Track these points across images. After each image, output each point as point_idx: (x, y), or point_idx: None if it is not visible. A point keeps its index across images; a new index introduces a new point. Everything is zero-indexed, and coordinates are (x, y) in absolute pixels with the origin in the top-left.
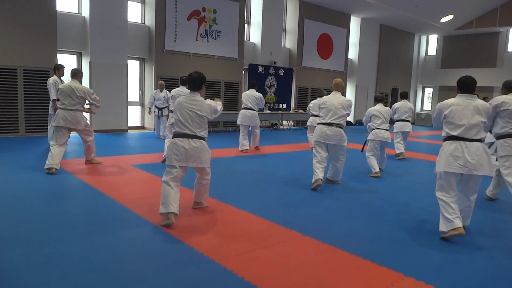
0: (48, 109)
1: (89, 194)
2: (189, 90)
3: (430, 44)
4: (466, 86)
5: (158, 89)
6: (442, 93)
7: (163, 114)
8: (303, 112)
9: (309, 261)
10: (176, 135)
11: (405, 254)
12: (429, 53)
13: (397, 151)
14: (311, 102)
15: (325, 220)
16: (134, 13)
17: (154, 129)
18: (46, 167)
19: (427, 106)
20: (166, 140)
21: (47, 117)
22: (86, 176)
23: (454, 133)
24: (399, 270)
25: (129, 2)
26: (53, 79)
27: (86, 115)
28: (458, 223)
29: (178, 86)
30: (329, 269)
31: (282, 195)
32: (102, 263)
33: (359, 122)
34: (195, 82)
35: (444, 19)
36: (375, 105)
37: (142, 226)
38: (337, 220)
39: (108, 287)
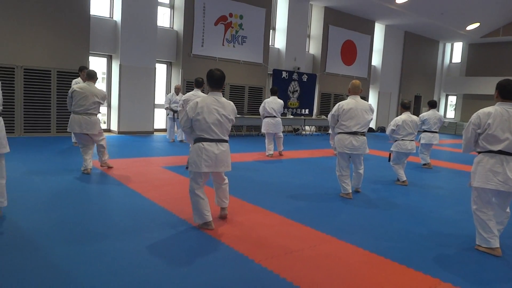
0: None
1: (126, 193)
2: (201, 92)
3: (455, 52)
4: (509, 91)
5: (174, 93)
6: (466, 101)
7: (178, 117)
8: (326, 118)
9: (346, 264)
10: (203, 139)
11: (441, 260)
12: (453, 61)
13: (423, 161)
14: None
15: (357, 226)
16: (163, 18)
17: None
18: (82, 168)
19: (450, 114)
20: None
21: None
22: (121, 176)
23: (495, 148)
24: (436, 276)
25: (158, 7)
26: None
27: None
28: (495, 243)
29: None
30: (367, 273)
31: (313, 200)
32: (147, 261)
33: (381, 129)
34: (219, 81)
35: (470, 27)
36: (401, 113)
37: (181, 226)
38: (369, 226)
39: (155, 283)
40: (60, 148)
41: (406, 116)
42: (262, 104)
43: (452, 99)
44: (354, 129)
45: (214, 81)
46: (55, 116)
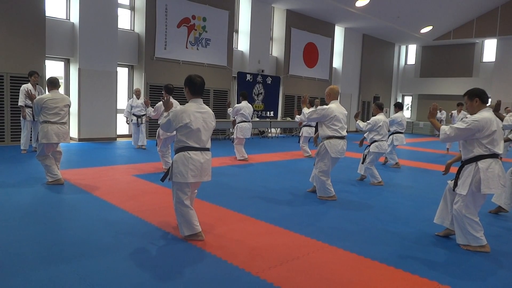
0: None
1: (101, 205)
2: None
3: (410, 54)
4: (487, 97)
5: (135, 97)
6: (420, 101)
7: (142, 121)
8: (291, 120)
9: (345, 272)
10: (189, 148)
11: (433, 262)
12: (408, 63)
13: (393, 161)
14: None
15: (345, 230)
16: (123, 20)
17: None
18: (50, 180)
19: (406, 114)
20: (162, 154)
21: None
22: (90, 186)
23: (499, 150)
24: (432, 279)
25: (118, 9)
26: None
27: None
28: (485, 240)
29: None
30: (366, 279)
31: (296, 205)
32: (135, 279)
33: None
34: (202, 87)
35: (423, 30)
36: (376, 114)
37: (165, 239)
38: (357, 230)
39: None
40: (17, 157)
41: (383, 117)
42: (237, 111)
43: (408, 99)
44: (343, 133)
45: (196, 88)
46: (9, 124)
